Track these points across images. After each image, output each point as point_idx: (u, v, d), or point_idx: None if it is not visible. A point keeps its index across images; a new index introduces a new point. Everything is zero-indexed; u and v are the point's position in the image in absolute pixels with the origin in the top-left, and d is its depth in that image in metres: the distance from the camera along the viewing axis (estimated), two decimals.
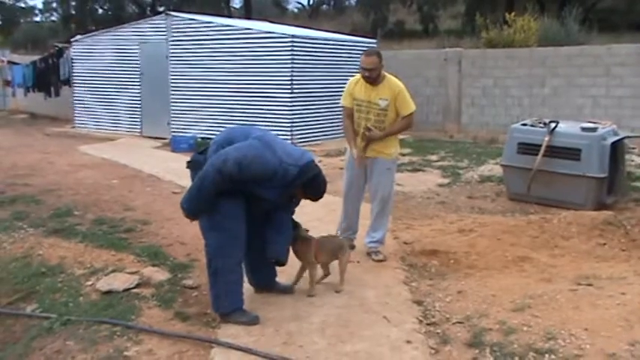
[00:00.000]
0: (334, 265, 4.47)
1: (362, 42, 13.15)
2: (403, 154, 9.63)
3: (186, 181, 3.94)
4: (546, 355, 3.33)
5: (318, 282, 4.44)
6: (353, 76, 5.23)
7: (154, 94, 12.90)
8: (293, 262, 4.34)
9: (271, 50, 11.30)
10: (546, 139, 6.77)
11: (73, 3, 33.97)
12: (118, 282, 4.34)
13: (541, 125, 7.10)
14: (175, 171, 8.59)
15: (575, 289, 4.18)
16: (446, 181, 8.43)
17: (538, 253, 5.10)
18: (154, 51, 12.75)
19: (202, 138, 11.45)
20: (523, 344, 3.46)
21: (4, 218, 6.26)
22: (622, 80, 11.84)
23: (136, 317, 3.89)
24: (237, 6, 37.19)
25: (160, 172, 9.05)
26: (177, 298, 4.25)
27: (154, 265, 4.82)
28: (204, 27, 12.22)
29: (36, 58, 16.71)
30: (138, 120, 13.31)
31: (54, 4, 38.42)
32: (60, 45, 16.04)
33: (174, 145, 11.45)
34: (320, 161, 7.98)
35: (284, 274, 4.42)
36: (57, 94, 15.62)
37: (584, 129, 6.80)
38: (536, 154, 6.76)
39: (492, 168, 8.85)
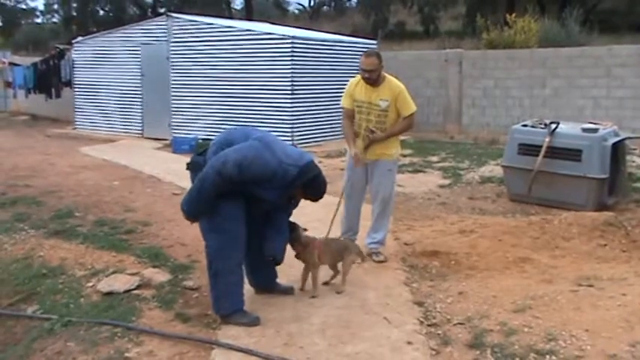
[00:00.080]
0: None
1: (362, 43, 13.16)
2: (404, 155, 9.63)
3: (186, 182, 3.94)
4: (547, 356, 3.33)
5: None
6: (353, 77, 5.23)
7: (155, 95, 12.91)
8: (293, 263, 4.34)
9: (272, 51, 11.30)
10: (547, 140, 6.77)
11: (75, 5, 34.03)
12: (119, 283, 4.35)
13: (542, 126, 7.10)
14: (176, 172, 8.58)
15: (576, 290, 4.18)
16: (447, 182, 8.43)
17: (539, 254, 5.10)
18: (155, 52, 12.76)
19: (203, 139, 11.45)
20: (524, 345, 3.46)
21: (5, 219, 6.27)
22: (623, 81, 11.84)
23: (137, 318, 3.89)
24: (238, 7, 37.27)
25: (161, 173, 9.06)
26: (177, 300, 4.25)
27: (154, 267, 4.82)
28: (205, 28, 12.23)
29: (37, 59, 16.72)
30: (139, 121, 13.32)
31: (55, 6, 38.45)
32: (61, 46, 16.04)
33: (175, 146, 11.46)
34: (320, 162, 7.99)
35: (284, 275, 4.42)
36: (58, 96, 15.62)
37: (584, 130, 6.80)
38: (537, 155, 6.76)
39: (493, 169, 8.85)
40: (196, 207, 3.76)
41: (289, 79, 11.16)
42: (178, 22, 12.58)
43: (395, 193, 5.42)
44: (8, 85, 17.84)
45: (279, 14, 35.06)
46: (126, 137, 13.18)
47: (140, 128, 13.29)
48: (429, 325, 3.83)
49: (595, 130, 6.76)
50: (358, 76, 5.07)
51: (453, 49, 14.79)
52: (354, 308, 4.09)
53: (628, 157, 7.98)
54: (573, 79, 12.30)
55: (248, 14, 30.45)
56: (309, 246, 4.28)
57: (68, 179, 8.57)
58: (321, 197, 4.03)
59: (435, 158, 10.31)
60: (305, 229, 4.40)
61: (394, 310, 4.06)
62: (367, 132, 5.02)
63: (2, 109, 18.81)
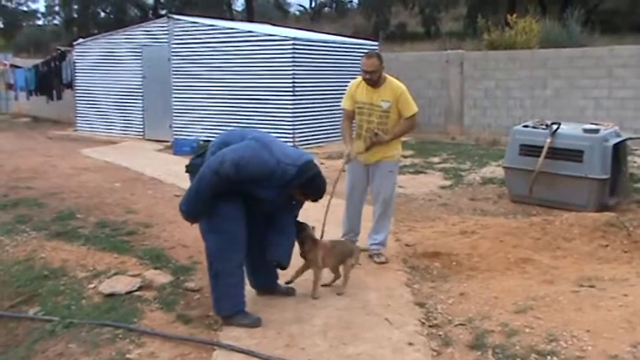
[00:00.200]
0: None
1: (364, 44, 13.16)
2: (405, 156, 9.63)
3: (187, 184, 3.94)
4: (548, 357, 3.33)
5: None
6: (355, 78, 5.24)
7: (156, 97, 12.92)
8: (293, 263, 4.33)
9: (273, 53, 11.31)
10: (548, 140, 6.77)
11: (76, 6, 34.04)
12: (121, 285, 4.35)
13: (543, 127, 7.10)
14: (177, 174, 8.57)
15: (578, 290, 4.18)
16: (448, 183, 8.43)
17: (540, 255, 5.09)
18: (156, 54, 12.78)
19: (204, 141, 11.45)
20: (525, 346, 3.46)
21: (7, 221, 6.27)
22: (624, 82, 11.83)
23: (139, 320, 3.90)
24: (240, 9, 37.28)
25: (162, 175, 9.06)
26: (179, 301, 4.26)
27: (156, 268, 4.82)
28: (207, 30, 12.24)
29: (38, 61, 16.74)
30: (140, 123, 13.32)
31: (56, 8, 38.46)
32: (62, 48, 16.07)
33: (177, 148, 11.47)
34: (322, 163, 8.00)
35: (284, 275, 4.42)
36: (59, 98, 15.64)
37: (586, 130, 6.79)
38: (539, 156, 6.76)
39: (494, 170, 8.85)
40: (195, 207, 3.76)
41: (290, 81, 11.16)
42: (179, 23, 12.60)
43: (396, 194, 5.42)
44: (10, 87, 17.87)
45: (281, 16, 35.09)
46: (127, 139, 13.19)
47: (141, 130, 13.30)
48: (430, 326, 3.83)
49: (596, 131, 6.76)
50: (359, 78, 5.07)
51: (454, 50, 14.80)
52: (355, 309, 4.09)
53: (629, 158, 7.98)
54: (574, 79, 12.30)
55: (249, 16, 30.48)
56: (316, 247, 4.28)
57: (70, 181, 8.57)
58: (320, 197, 4.01)
59: (436, 159, 10.30)
60: (313, 227, 4.38)
61: (395, 311, 4.06)
62: (369, 133, 5.02)
63: (4, 111, 18.84)
